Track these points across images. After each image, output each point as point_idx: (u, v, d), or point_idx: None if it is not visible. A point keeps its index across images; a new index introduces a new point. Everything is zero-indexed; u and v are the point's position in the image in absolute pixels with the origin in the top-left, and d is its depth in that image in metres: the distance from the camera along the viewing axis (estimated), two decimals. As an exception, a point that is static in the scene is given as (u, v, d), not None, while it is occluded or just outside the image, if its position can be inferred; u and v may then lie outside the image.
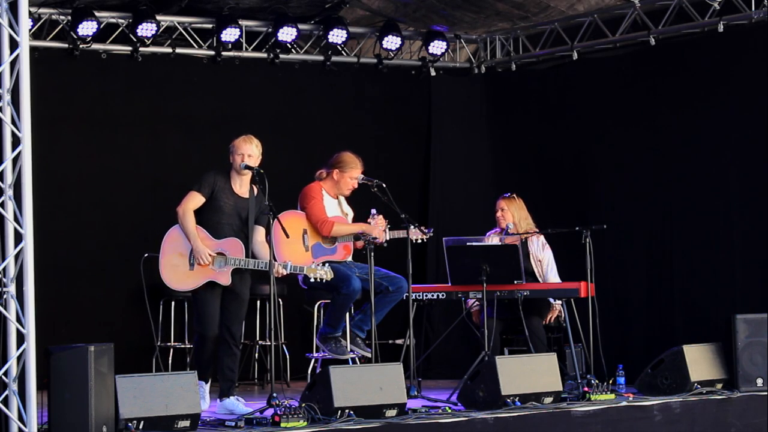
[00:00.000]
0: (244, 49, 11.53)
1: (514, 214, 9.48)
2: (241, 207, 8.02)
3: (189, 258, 7.92)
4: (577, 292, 8.97)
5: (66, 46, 10.78)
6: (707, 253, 10.54)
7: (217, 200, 7.95)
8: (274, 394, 7.51)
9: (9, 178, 6.28)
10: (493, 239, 9.51)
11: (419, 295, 9.28)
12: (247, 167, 7.96)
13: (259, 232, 8.09)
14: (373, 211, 8.88)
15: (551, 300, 9.36)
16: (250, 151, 8.00)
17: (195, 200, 7.94)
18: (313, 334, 10.08)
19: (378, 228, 8.75)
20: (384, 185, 8.72)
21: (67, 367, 6.41)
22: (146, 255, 8.10)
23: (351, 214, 9.08)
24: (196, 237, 7.90)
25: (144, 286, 8.17)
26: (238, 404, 7.92)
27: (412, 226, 8.67)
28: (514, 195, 9.58)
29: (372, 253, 8.52)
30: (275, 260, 7.86)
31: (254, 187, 8.10)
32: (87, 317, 10.56)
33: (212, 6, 11.08)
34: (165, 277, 7.96)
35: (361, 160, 8.94)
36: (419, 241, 8.86)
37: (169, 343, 10.72)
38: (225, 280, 7.95)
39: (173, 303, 10.67)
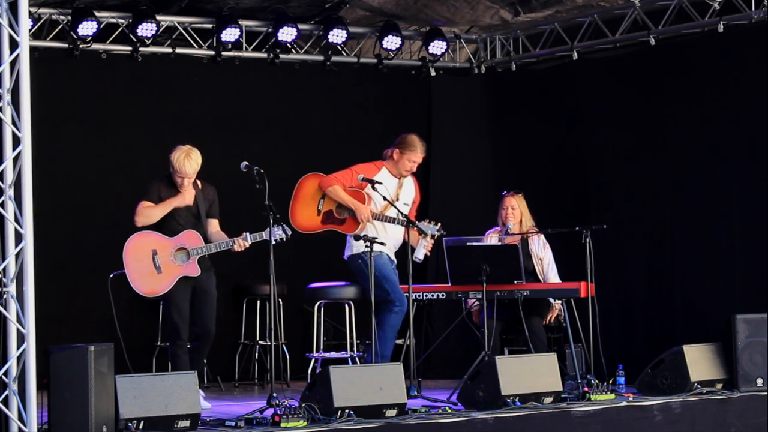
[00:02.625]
0: (244, 49, 11.53)
1: (523, 211, 9.49)
2: (191, 204, 8.31)
3: (153, 262, 8.13)
4: (577, 292, 8.97)
5: (66, 46, 10.78)
6: (707, 253, 10.54)
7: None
8: (274, 394, 7.53)
9: (9, 178, 6.28)
10: (492, 238, 9.51)
11: (419, 295, 9.28)
12: (247, 167, 8.03)
13: (212, 224, 8.40)
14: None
15: (551, 300, 9.36)
16: (186, 174, 8.20)
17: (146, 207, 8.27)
18: (314, 334, 10.09)
19: (364, 212, 8.73)
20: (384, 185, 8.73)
21: (67, 367, 6.41)
22: (112, 275, 8.20)
23: (412, 197, 9.05)
24: (164, 205, 8.17)
25: (112, 304, 8.24)
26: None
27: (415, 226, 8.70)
28: (520, 192, 9.60)
29: (372, 252, 8.53)
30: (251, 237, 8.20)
31: (198, 182, 8.31)
32: (87, 317, 10.56)
33: (212, 6, 11.07)
34: (138, 287, 8.19)
35: (424, 145, 8.93)
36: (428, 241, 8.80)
37: (168, 343, 10.69)
38: (194, 271, 8.20)
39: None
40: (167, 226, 8.25)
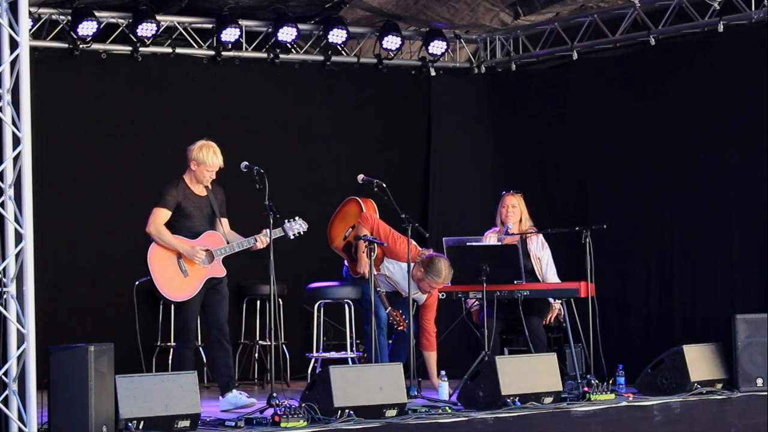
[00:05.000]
0: (244, 49, 11.53)
1: (522, 211, 9.50)
2: (204, 205, 8.22)
3: (179, 266, 8.05)
4: (577, 292, 8.97)
5: (66, 46, 10.77)
6: (707, 253, 10.54)
7: (185, 208, 8.14)
8: (274, 394, 7.53)
9: (9, 178, 6.29)
10: (491, 238, 9.51)
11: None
12: (247, 167, 8.03)
13: (224, 224, 8.31)
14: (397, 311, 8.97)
15: (550, 300, 9.36)
16: (217, 166, 8.17)
17: (163, 215, 8.11)
18: (314, 334, 10.10)
19: (362, 267, 8.92)
20: (384, 185, 8.75)
21: (67, 367, 6.41)
22: (137, 282, 8.18)
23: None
24: (181, 243, 8.08)
25: (136, 310, 8.23)
26: (240, 397, 8.00)
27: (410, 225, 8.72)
28: (520, 192, 9.61)
29: (373, 253, 8.54)
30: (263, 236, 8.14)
31: (209, 184, 8.26)
32: (87, 317, 10.56)
33: (212, 6, 11.07)
34: (167, 293, 8.08)
35: (452, 272, 8.84)
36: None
37: (169, 343, 10.71)
38: (221, 271, 8.15)
39: (173, 303, 10.64)
40: (187, 229, 8.12)
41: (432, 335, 9.10)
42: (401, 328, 8.80)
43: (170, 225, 8.12)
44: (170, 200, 8.10)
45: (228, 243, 8.17)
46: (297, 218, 8.39)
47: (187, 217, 8.13)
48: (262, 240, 8.13)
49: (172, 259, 8.05)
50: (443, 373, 8.75)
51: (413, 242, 8.79)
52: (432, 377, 9.06)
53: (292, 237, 8.34)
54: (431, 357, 9.12)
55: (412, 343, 8.67)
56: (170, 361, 10.53)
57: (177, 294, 8.06)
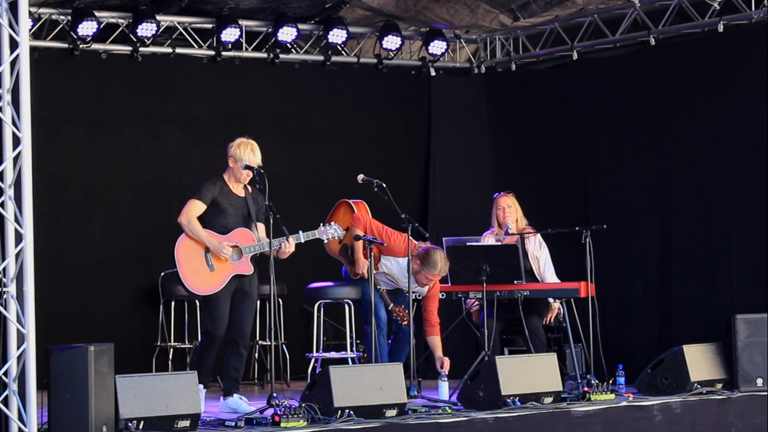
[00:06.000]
0: (244, 49, 11.53)
1: (517, 210, 9.51)
2: (241, 205, 8.12)
3: (206, 260, 7.97)
4: (577, 292, 8.97)
5: (66, 46, 10.77)
6: (707, 252, 10.54)
7: (220, 204, 8.04)
8: (274, 394, 7.52)
9: (9, 178, 6.29)
10: (489, 239, 9.51)
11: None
12: (248, 167, 8.00)
13: (260, 228, 8.19)
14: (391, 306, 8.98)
15: (549, 300, 9.36)
16: (254, 164, 8.05)
17: (196, 208, 8.00)
18: (314, 334, 10.10)
19: (361, 269, 8.94)
20: (384, 185, 8.75)
21: (67, 367, 6.41)
22: (163, 273, 8.15)
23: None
24: (209, 237, 7.97)
25: (161, 302, 8.18)
26: (241, 402, 7.95)
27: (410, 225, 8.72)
28: (511, 192, 9.61)
29: (372, 252, 8.55)
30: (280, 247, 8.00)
31: (248, 186, 8.19)
32: (87, 317, 10.56)
33: (212, 6, 11.07)
34: (192, 286, 7.97)
35: (447, 265, 8.86)
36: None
37: (169, 343, 10.71)
38: (248, 269, 8.04)
39: (173, 303, 10.66)
40: (220, 226, 8.02)
41: (435, 324, 9.07)
42: (405, 323, 8.80)
43: (204, 220, 8.01)
44: (206, 194, 8.00)
45: (259, 241, 8.09)
46: (332, 223, 8.34)
47: (221, 214, 8.03)
48: (291, 243, 8.02)
49: (200, 252, 7.96)
50: (443, 373, 8.75)
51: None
52: (437, 357, 9.01)
53: (326, 241, 8.33)
54: (436, 340, 9.05)
55: (412, 343, 8.66)
56: (170, 361, 10.55)
57: (201, 288, 7.97)
